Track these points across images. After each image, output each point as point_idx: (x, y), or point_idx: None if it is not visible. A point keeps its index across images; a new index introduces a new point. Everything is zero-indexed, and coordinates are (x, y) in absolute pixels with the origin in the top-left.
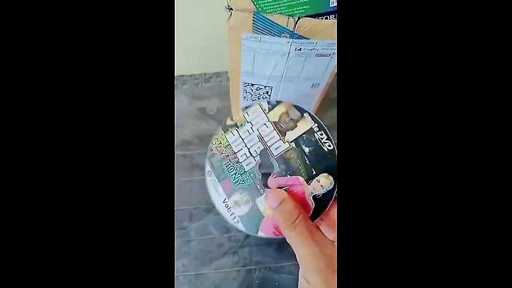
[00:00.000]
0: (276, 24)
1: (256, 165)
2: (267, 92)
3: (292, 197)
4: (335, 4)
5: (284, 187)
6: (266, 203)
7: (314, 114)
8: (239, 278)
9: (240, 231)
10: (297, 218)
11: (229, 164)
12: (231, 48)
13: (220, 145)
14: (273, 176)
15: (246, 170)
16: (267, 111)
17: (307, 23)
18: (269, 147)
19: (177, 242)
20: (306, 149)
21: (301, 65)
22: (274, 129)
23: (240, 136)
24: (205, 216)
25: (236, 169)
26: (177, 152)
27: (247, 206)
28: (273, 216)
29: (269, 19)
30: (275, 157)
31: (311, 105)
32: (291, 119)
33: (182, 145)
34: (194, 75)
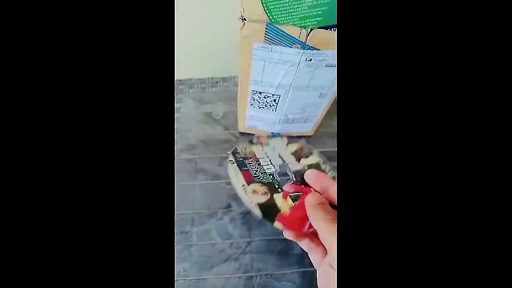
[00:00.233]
0: (288, 35)
1: (275, 172)
2: (274, 100)
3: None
4: None
5: (299, 192)
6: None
7: (320, 121)
8: (240, 284)
9: (256, 217)
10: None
11: (252, 163)
12: (242, 57)
13: (245, 149)
14: (290, 183)
15: (266, 171)
16: (286, 143)
17: (319, 35)
18: (287, 164)
19: (178, 247)
20: None
21: (311, 74)
22: (292, 154)
23: (263, 150)
24: (207, 221)
25: (257, 169)
26: (181, 156)
27: (265, 197)
28: (307, 210)
29: (281, 30)
30: (292, 171)
31: (318, 114)
32: (304, 153)
33: (187, 149)
34: (201, 79)
